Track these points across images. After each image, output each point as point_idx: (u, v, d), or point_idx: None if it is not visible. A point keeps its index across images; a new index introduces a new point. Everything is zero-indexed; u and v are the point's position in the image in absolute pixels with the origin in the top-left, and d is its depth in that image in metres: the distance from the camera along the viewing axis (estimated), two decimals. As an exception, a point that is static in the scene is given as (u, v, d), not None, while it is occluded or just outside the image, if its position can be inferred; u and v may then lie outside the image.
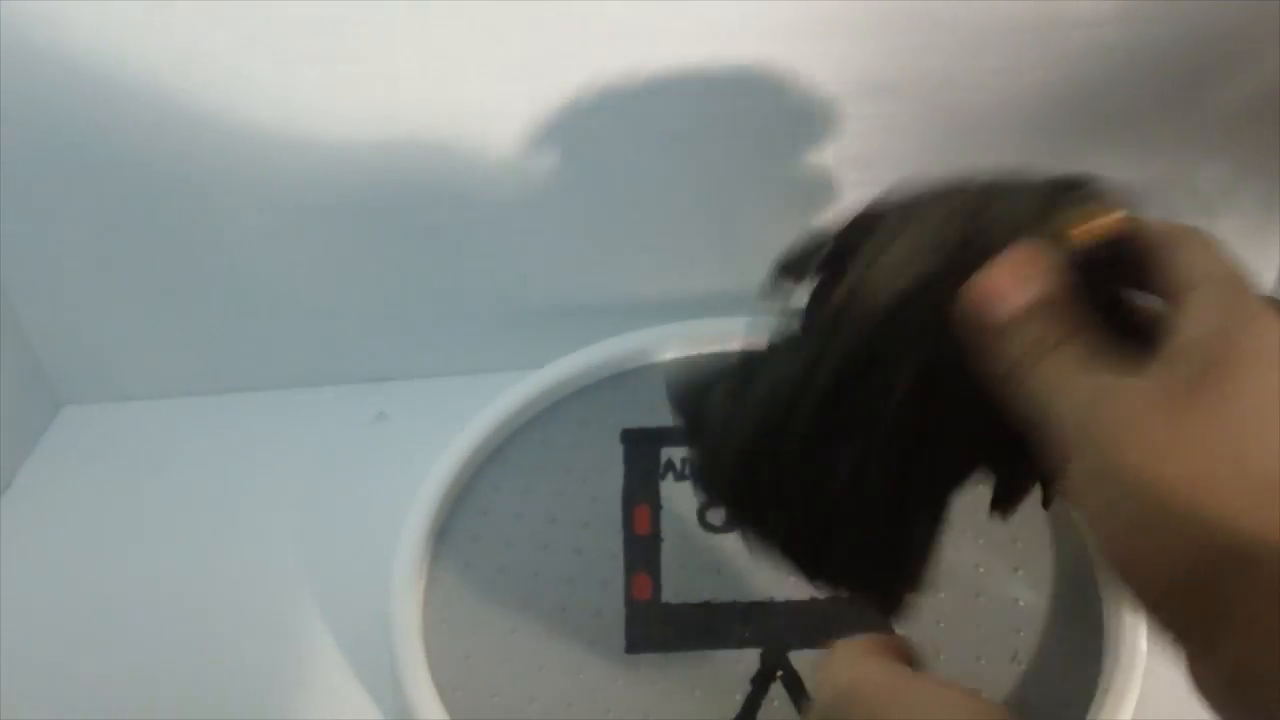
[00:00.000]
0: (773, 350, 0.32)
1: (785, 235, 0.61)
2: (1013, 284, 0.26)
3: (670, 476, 0.52)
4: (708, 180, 0.56)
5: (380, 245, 0.57)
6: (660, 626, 0.46)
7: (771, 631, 0.46)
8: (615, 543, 0.49)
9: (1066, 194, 0.30)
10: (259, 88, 0.50)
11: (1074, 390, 0.24)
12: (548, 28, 0.48)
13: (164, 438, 0.61)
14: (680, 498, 0.51)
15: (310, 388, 0.63)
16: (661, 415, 0.55)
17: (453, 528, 0.50)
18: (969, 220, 0.30)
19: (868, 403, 0.30)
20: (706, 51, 0.50)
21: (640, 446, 0.53)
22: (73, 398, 0.63)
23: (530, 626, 0.46)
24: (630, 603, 0.47)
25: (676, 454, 0.53)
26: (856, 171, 0.55)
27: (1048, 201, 0.30)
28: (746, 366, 0.33)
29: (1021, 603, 0.46)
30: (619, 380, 0.56)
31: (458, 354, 0.62)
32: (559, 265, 0.59)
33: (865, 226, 0.31)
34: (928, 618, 0.45)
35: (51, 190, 0.54)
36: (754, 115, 0.53)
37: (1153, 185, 0.59)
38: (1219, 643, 0.22)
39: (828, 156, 0.54)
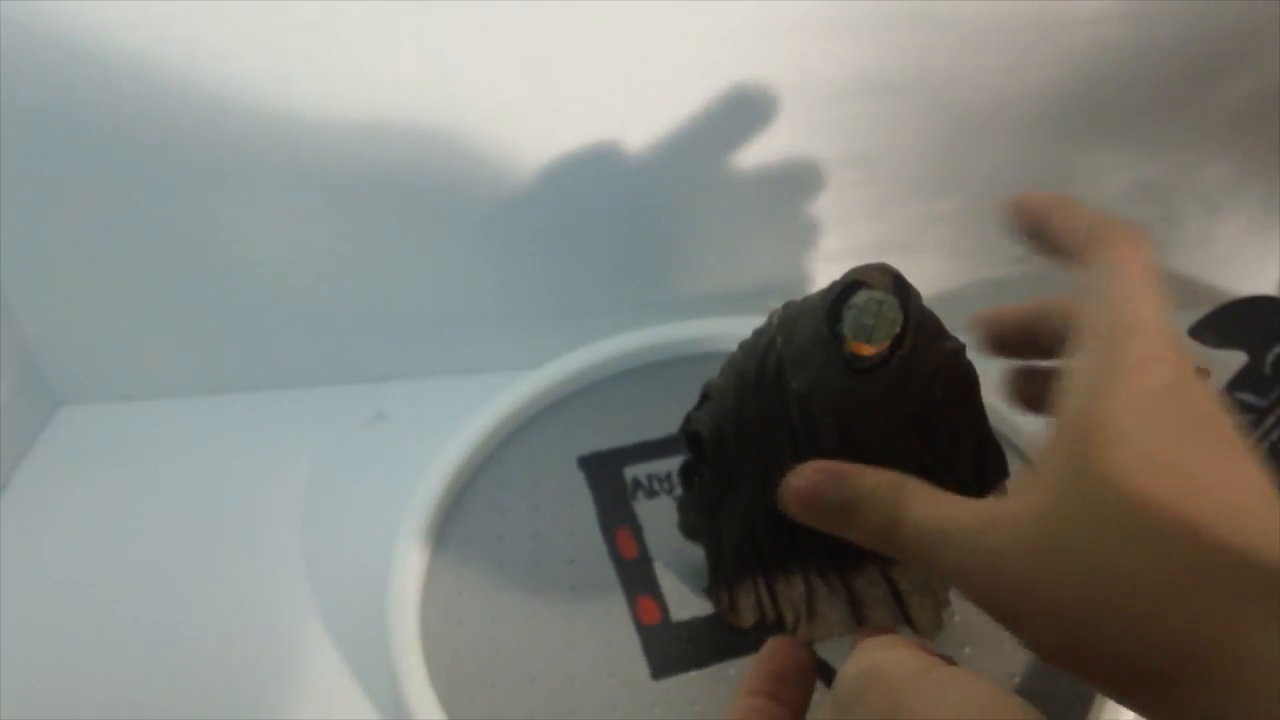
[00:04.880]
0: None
1: (786, 238, 0.61)
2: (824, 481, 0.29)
3: (640, 495, 0.50)
4: (706, 182, 0.55)
5: (380, 245, 0.57)
6: (680, 646, 0.44)
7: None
8: (606, 570, 0.47)
9: (840, 311, 0.32)
10: (257, 87, 0.49)
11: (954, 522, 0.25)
12: (548, 24, 0.48)
13: (161, 437, 0.61)
14: (657, 515, 0.49)
15: (309, 388, 0.63)
16: (615, 436, 0.53)
17: (452, 530, 0.50)
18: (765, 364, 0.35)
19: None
20: (705, 50, 0.50)
21: (601, 470, 0.52)
22: (70, 397, 0.63)
23: (542, 652, 0.44)
24: (642, 629, 0.45)
25: (641, 471, 0.51)
26: (858, 171, 0.55)
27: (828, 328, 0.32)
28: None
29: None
30: (568, 404, 0.55)
31: (458, 354, 0.62)
32: (559, 265, 0.59)
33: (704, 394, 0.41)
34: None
35: (49, 188, 0.53)
36: (753, 115, 0.52)
37: (1155, 184, 0.59)
38: None
39: (829, 156, 0.54)
